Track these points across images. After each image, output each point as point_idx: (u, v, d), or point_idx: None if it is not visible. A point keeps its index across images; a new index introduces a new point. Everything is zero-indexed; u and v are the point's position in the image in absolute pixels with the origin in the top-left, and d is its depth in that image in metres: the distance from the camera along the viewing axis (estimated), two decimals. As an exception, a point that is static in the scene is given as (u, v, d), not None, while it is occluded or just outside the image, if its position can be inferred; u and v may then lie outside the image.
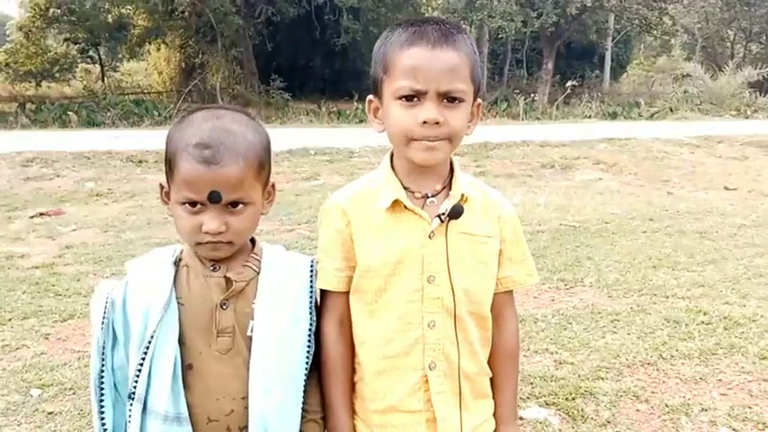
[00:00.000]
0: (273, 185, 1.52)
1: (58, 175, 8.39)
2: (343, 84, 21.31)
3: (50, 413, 3.05)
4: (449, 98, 1.40)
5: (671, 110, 18.18)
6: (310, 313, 1.50)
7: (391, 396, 1.50)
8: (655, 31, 25.17)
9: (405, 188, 1.48)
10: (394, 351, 1.49)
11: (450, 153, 1.48)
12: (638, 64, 32.15)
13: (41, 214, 6.81)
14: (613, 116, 17.57)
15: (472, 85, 1.44)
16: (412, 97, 1.40)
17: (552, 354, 3.66)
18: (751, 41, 31.17)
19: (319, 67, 23.29)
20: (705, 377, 3.42)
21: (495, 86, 24.03)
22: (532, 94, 18.92)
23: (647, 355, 3.65)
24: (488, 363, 1.59)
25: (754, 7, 27.08)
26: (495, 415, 1.60)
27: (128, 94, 20.59)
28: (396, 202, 1.47)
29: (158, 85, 24.74)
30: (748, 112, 17.84)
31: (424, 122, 1.39)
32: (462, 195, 1.48)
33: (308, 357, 1.48)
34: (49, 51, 23.63)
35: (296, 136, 10.80)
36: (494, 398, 1.60)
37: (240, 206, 1.41)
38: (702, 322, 4.08)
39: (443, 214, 1.45)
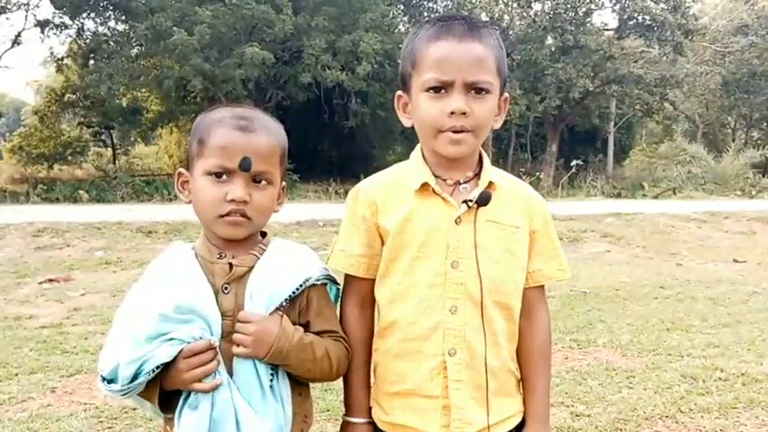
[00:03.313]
0: (285, 188, 1.57)
1: (68, 245, 8.43)
2: (350, 166, 21.61)
3: (55, 459, 2.99)
4: (476, 89, 1.44)
5: (674, 191, 18.33)
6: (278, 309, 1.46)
7: (410, 380, 1.50)
8: (656, 116, 25.70)
9: (436, 176, 1.51)
10: (415, 334, 1.49)
11: (476, 145, 1.51)
12: (640, 150, 32.59)
13: (50, 280, 6.81)
14: (618, 196, 17.71)
15: (498, 78, 1.48)
16: (439, 89, 1.44)
17: (568, 407, 3.58)
18: (752, 128, 31.67)
19: (328, 149, 23.72)
20: (725, 429, 3.34)
21: (499, 169, 24.34)
22: (538, 173, 19.15)
23: (665, 408, 3.57)
24: (519, 361, 1.57)
25: (753, 95, 27.65)
26: (525, 415, 1.57)
27: (138, 176, 20.93)
28: (424, 186, 1.49)
29: (168, 167, 25.14)
30: (753, 192, 17.95)
31: (452, 113, 1.42)
32: (490, 183, 1.50)
33: None
34: (63, 135, 24.13)
35: (304, 210, 10.90)
36: (524, 397, 1.58)
37: (264, 182, 1.46)
38: (720, 378, 4.01)
39: (470, 200, 1.47)
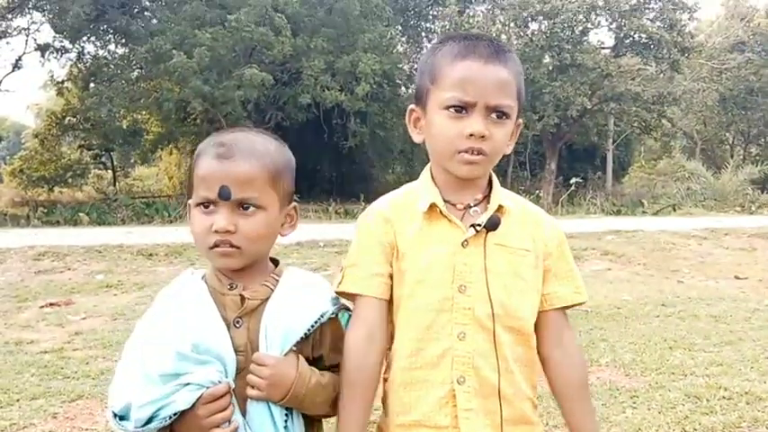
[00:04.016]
0: (296, 209, 1.54)
1: (69, 268, 8.42)
2: (350, 186, 21.64)
3: (57, 486, 2.97)
4: (497, 113, 1.42)
5: (673, 208, 18.32)
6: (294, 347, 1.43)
7: (417, 410, 1.44)
8: (654, 133, 25.78)
9: (445, 201, 1.49)
10: (422, 362, 1.45)
11: (490, 168, 1.50)
12: (639, 167, 32.67)
13: (51, 304, 6.79)
14: (618, 213, 17.70)
15: (517, 103, 1.47)
16: (461, 109, 1.42)
17: (572, 428, 3.57)
18: (750, 143, 31.77)
19: (327, 169, 23.76)
20: (731, 449, 3.32)
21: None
22: (537, 191, 19.17)
23: (669, 428, 3.56)
24: (561, 397, 1.53)
25: (750, 111, 27.77)
26: None
27: (138, 198, 20.96)
28: (432, 207, 1.47)
29: (168, 189, 25.23)
30: (753, 208, 17.96)
31: (471, 135, 1.41)
32: (500, 206, 1.48)
33: None
34: (63, 158, 24.20)
35: (305, 230, 10.88)
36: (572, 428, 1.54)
37: (251, 208, 1.42)
38: (723, 397, 3.99)
39: (478, 225, 1.44)
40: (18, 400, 4.03)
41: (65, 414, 3.83)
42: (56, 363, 4.78)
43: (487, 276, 1.43)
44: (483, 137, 1.41)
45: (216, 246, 1.41)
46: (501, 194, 1.52)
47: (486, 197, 1.51)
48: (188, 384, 1.31)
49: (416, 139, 1.55)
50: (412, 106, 1.54)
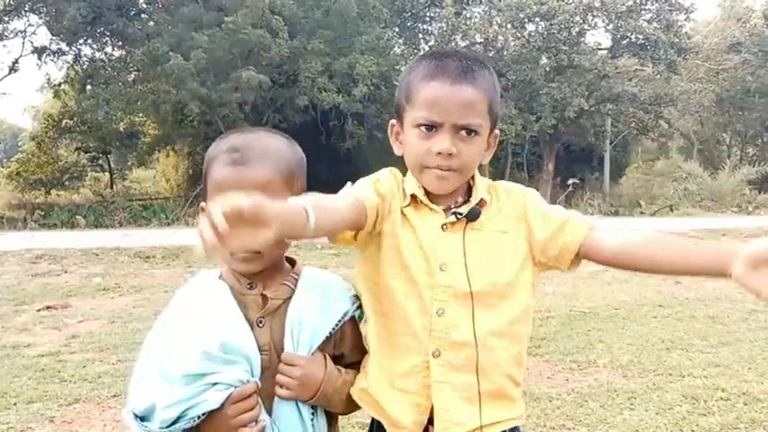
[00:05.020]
0: None
1: (66, 271, 8.42)
2: (347, 188, 21.51)
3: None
4: (466, 131, 1.47)
5: (671, 209, 18.37)
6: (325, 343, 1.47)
7: (390, 371, 1.49)
8: (651, 134, 25.81)
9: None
10: (407, 331, 1.47)
11: (461, 182, 1.53)
12: (636, 168, 32.65)
13: (48, 307, 6.78)
14: (615, 214, 17.74)
15: (488, 118, 1.51)
16: (430, 127, 1.47)
17: (570, 429, 3.57)
18: (747, 144, 31.79)
19: (325, 171, 23.69)
20: (729, 450, 3.32)
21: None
22: (535, 192, 19.20)
23: (666, 430, 3.56)
24: (634, 257, 1.50)
25: (747, 111, 27.79)
26: (722, 262, 1.29)
27: (135, 200, 20.94)
28: (413, 198, 1.52)
29: (166, 191, 25.15)
30: (750, 209, 18.02)
31: (438, 153, 1.45)
32: (481, 200, 1.52)
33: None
34: (60, 160, 24.14)
35: (302, 233, 10.90)
36: (689, 257, 1.40)
37: None
38: (721, 398, 4.00)
39: (460, 213, 1.49)
40: (15, 404, 4.03)
41: (62, 417, 3.83)
42: (53, 366, 4.78)
43: (466, 257, 1.47)
44: (450, 154, 1.45)
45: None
46: (482, 189, 1.54)
47: (467, 200, 1.54)
48: (216, 384, 1.32)
49: (397, 152, 1.59)
50: (393, 121, 1.59)
